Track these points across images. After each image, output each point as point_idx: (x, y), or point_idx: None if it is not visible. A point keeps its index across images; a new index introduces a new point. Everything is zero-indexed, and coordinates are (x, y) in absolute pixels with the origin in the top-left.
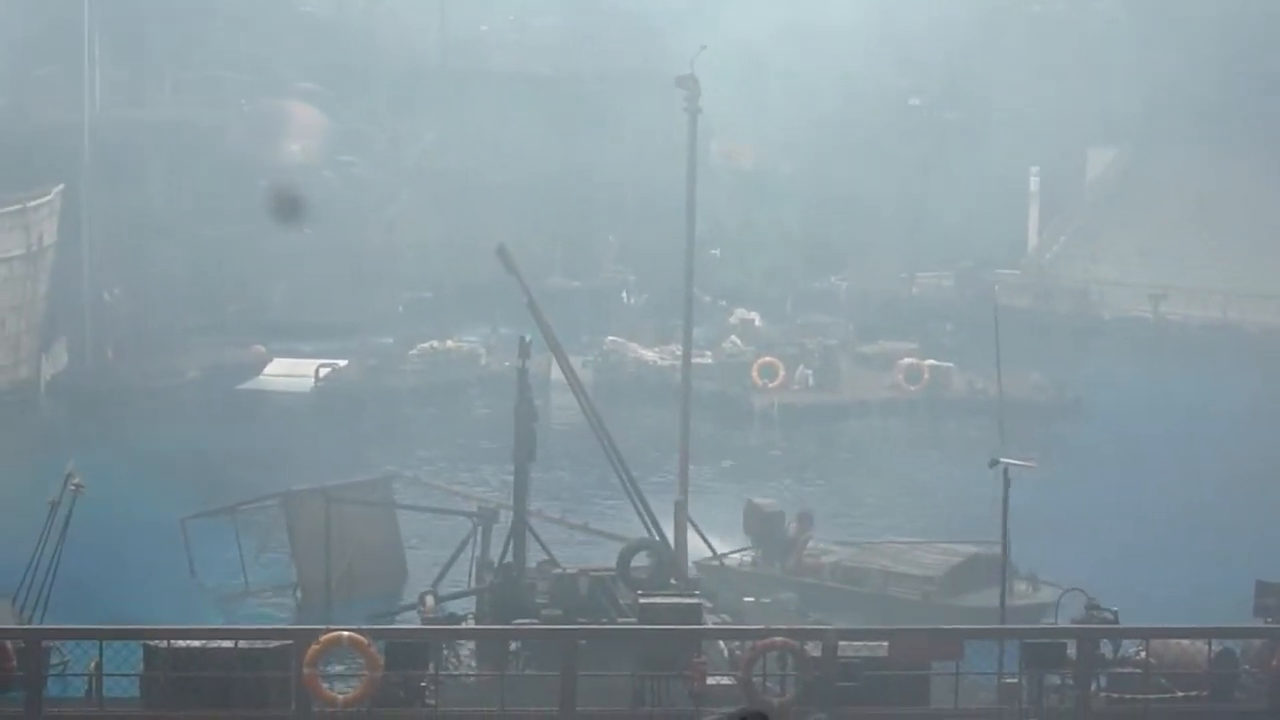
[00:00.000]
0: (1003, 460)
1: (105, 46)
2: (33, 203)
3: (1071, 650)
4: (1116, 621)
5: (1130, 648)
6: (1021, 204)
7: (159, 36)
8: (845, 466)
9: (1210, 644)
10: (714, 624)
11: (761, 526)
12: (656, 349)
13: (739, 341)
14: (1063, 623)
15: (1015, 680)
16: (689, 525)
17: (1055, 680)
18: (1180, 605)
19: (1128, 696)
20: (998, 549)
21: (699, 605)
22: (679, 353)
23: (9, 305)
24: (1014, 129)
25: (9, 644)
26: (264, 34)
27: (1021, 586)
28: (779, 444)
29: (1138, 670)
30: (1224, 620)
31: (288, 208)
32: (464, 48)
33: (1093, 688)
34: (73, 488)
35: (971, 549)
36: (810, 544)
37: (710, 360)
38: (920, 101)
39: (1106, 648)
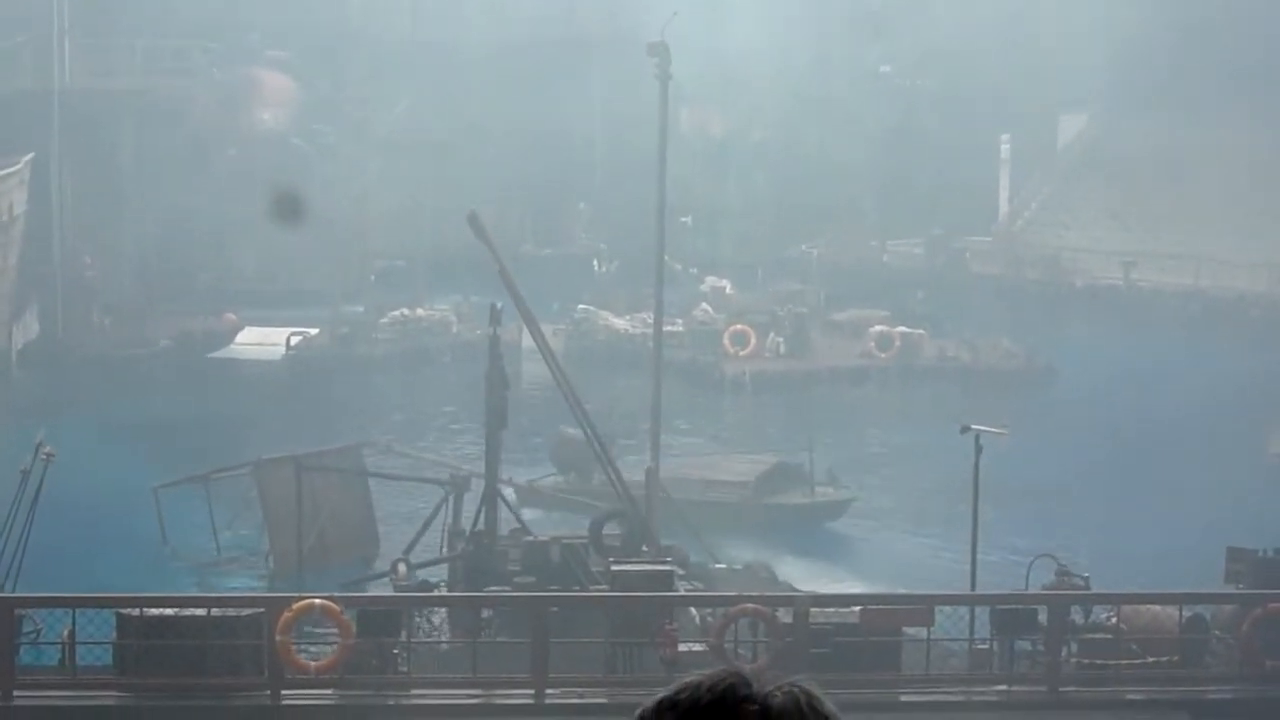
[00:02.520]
0: (974, 427)
1: (74, 16)
2: (2, 172)
3: (1043, 616)
4: (1088, 587)
5: (1101, 613)
6: (992, 171)
7: (128, 5)
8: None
9: (1181, 610)
10: (686, 591)
11: (569, 454)
12: (628, 317)
13: (710, 309)
14: (1034, 589)
15: (986, 646)
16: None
17: (1026, 646)
18: (1151, 571)
19: (1099, 662)
20: (797, 458)
21: (671, 572)
22: (650, 320)
23: None
24: (985, 96)
25: None
26: (234, 2)
27: (824, 488)
28: (744, 409)
29: (1109, 636)
30: (1194, 586)
31: (287, 207)
32: (436, 16)
33: (1064, 653)
34: (44, 456)
35: (773, 458)
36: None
37: (681, 328)
38: (891, 69)
39: (1077, 613)
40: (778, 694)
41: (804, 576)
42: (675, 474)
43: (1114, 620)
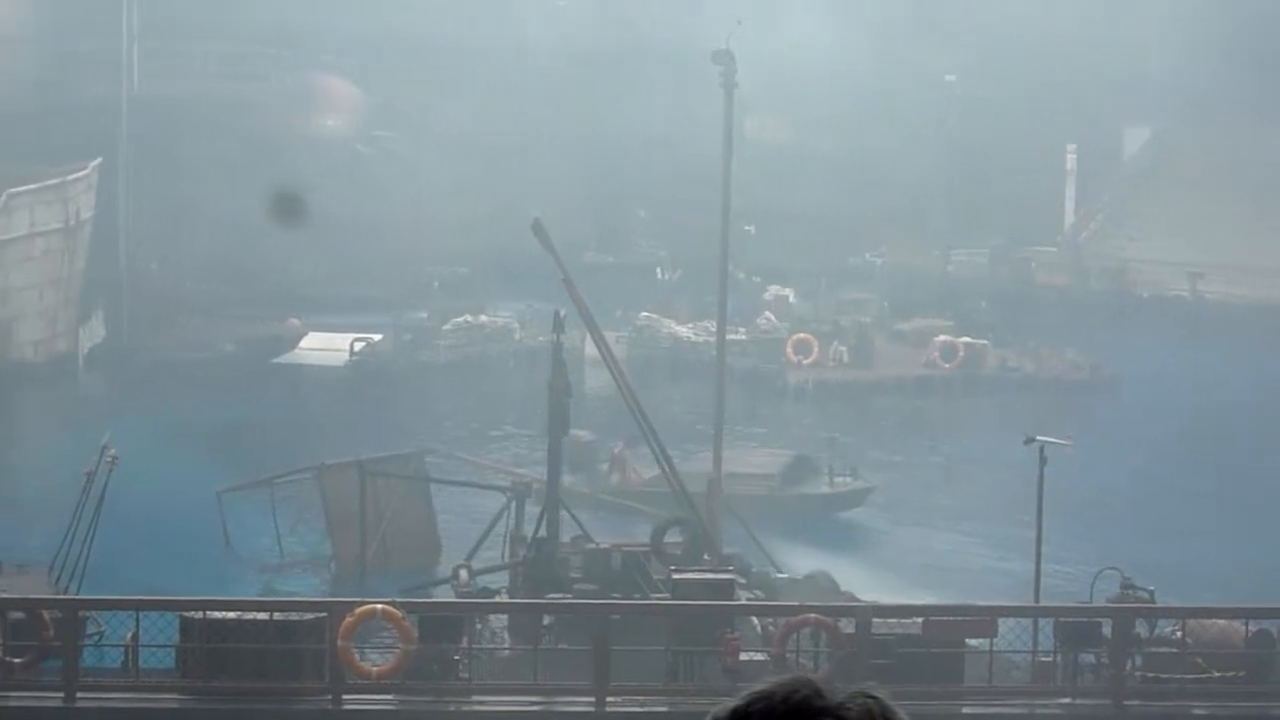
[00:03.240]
0: (1038, 438)
1: (142, 24)
2: (71, 177)
3: (1107, 629)
4: (1153, 600)
5: (1166, 627)
6: (1058, 181)
7: (195, 13)
8: (880, 441)
9: (1247, 624)
10: (747, 600)
11: (579, 456)
12: (690, 325)
13: (773, 318)
14: (1098, 601)
15: (1050, 659)
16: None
17: (1090, 659)
18: (1217, 584)
19: (1163, 676)
20: (817, 451)
21: (732, 581)
22: (713, 329)
23: (47, 279)
24: (1050, 106)
25: (46, 614)
26: (299, 9)
27: (844, 479)
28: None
29: (1173, 650)
30: (1261, 600)
31: (287, 207)
32: (498, 22)
33: (1128, 667)
34: (109, 459)
35: (792, 452)
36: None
37: (744, 336)
38: (956, 78)
39: (1142, 627)
40: (852, 705)
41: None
42: (700, 468)
43: (1179, 634)
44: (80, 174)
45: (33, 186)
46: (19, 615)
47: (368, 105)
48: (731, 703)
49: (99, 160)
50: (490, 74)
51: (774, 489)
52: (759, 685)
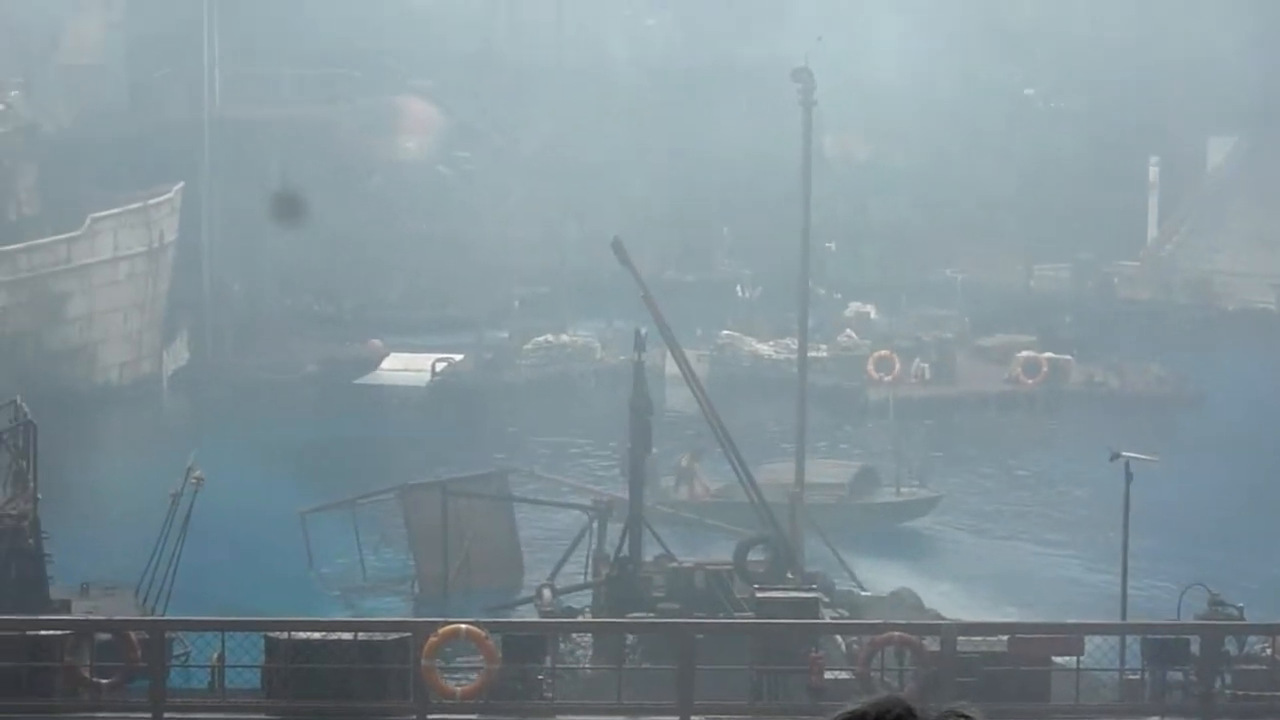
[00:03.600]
0: (1123, 454)
1: (224, 46)
2: (154, 200)
3: (1195, 646)
4: (1242, 617)
5: (1256, 644)
6: (1140, 194)
7: (276, 35)
8: (962, 457)
9: None
10: (831, 618)
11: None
12: (771, 342)
13: (854, 335)
14: (1186, 619)
15: (1137, 677)
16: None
17: (1179, 677)
18: None
19: (1253, 694)
20: (879, 462)
21: (816, 599)
22: (794, 346)
23: (131, 302)
24: (1132, 118)
25: (133, 635)
26: (379, 31)
27: (913, 487)
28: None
29: (1264, 667)
30: None
31: (287, 208)
32: (579, 42)
33: (1217, 685)
34: (193, 481)
35: (858, 463)
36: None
37: (825, 354)
38: (1035, 91)
39: (1231, 644)
40: None
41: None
42: (774, 479)
43: (1269, 651)
44: (164, 197)
45: (116, 210)
46: (106, 636)
47: (448, 126)
48: None
49: (182, 184)
50: (572, 93)
51: (843, 498)
52: (851, 705)
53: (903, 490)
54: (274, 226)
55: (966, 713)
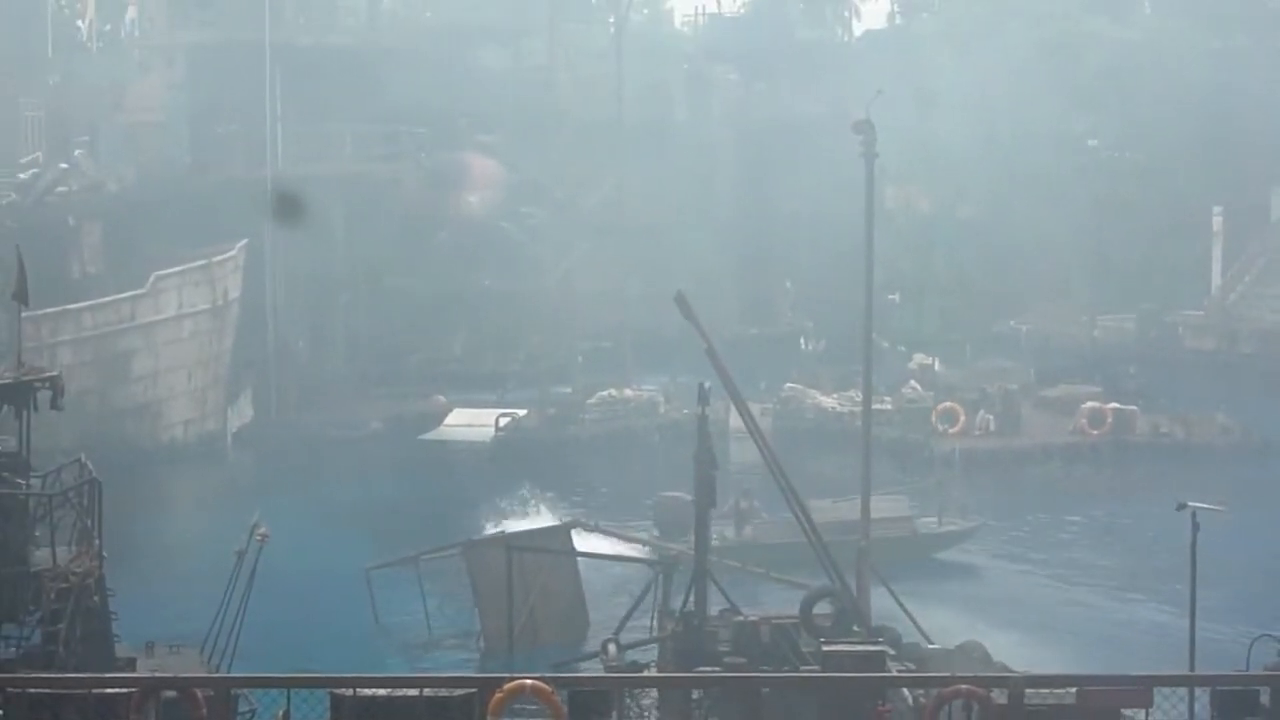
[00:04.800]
0: (1190, 504)
1: (286, 103)
2: (218, 258)
3: (1265, 698)
4: None
5: None
6: (1204, 244)
7: (337, 92)
8: (1029, 509)
9: None
10: (898, 671)
11: (669, 515)
12: (835, 395)
13: (918, 387)
14: (1255, 669)
15: None
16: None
17: None
18: None
19: None
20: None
21: (883, 653)
22: (858, 399)
23: (196, 359)
24: (1195, 168)
25: (199, 693)
26: (442, 87)
27: (956, 519)
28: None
29: None
30: None
31: (286, 208)
32: (642, 97)
33: None
34: (258, 537)
35: (906, 497)
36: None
37: (890, 406)
38: (1098, 142)
39: None
40: None
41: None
42: (839, 517)
43: None
44: (227, 255)
45: (180, 268)
46: (172, 694)
47: (512, 182)
48: None
49: (245, 241)
50: (633, 148)
51: (887, 531)
52: None
53: (944, 519)
54: (338, 283)
55: None
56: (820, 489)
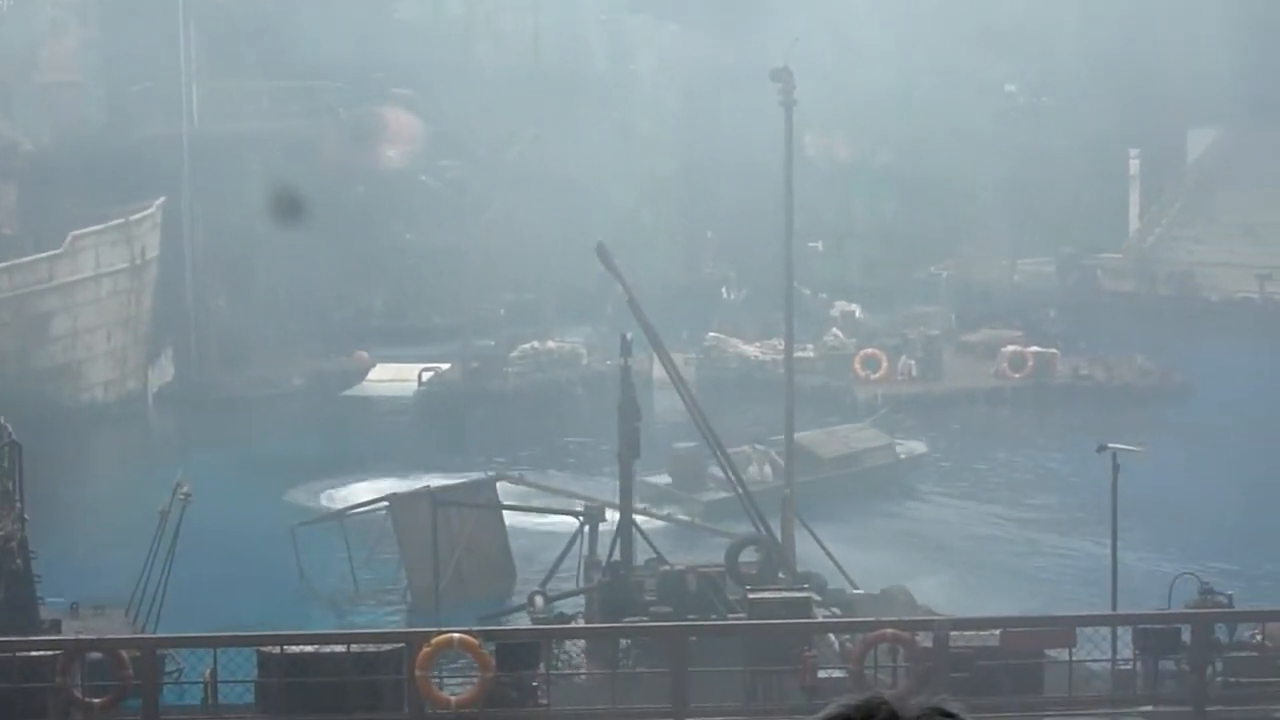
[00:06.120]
0: (1110, 445)
1: (201, 60)
2: (135, 216)
3: (1187, 635)
4: (1231, 605)
5: (1246, 631)
6: (1122, 188)
7: (253, 49)
8: (952, 453)
9: None
10: (823, 617)
11: (683, 466)
12: (758, 344)
13: (840, 334)
14: (1176, 608)
15: (1130, 667)
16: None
17: (1171, 666)
18: None
19: (1245, 681)
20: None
21: (808, 599)
22: (781, 347)
23: (115, 319)
24: (1111, 113)
25: (124, 654)
26: (359, 41)
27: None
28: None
29: (1254, 654)
30: None
31: (287, 208)
32: (560, 49)
33: (1209, 673)
34: (181, 497)
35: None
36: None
37: (812, 354)
38: (1016, 88)
39: (1222, 632)
40: None
41: None
42: (850, 448)
43: (1260, 638)
44: (144, 213)
45: (98, 227)
46: (97, 656)
47: (430, 136)
48: None
49: (163, 199)
50: (551, 100)
51: (874, 460)
52: (832, 707)
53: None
54: (257, 240)
55: (949, 709)
56: (744, 437)
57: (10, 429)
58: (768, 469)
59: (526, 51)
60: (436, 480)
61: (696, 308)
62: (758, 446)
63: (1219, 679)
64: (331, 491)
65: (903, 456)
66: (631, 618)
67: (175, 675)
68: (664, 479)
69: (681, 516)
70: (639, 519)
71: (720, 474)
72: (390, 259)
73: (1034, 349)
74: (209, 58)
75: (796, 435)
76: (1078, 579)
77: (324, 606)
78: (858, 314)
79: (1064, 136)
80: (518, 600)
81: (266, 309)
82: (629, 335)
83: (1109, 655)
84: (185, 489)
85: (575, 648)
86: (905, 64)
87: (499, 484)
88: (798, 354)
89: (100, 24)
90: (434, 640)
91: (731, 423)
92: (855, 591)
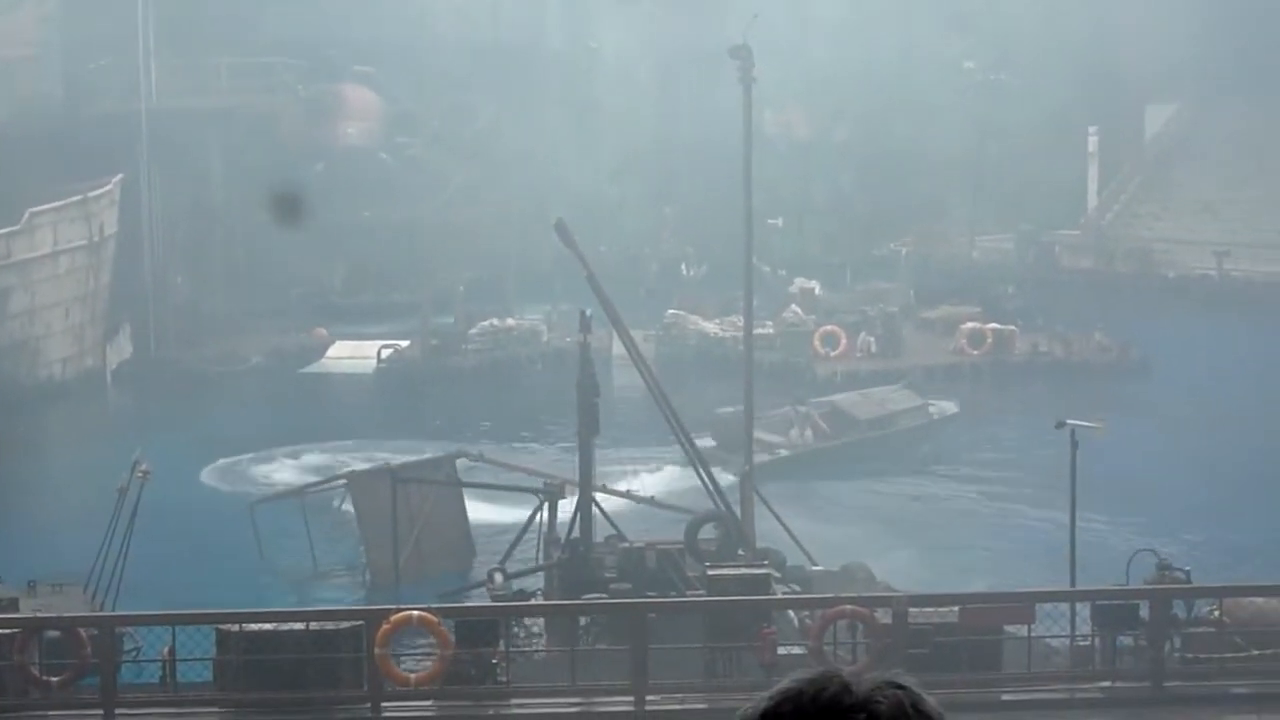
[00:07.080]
0: (1069, 422)
1: (159, 37)
2: (93, 193)
3: (1145, 611)
4: (1189, 581)
5: (1204, 607)
6: (1080, 165)
7: (212, 25)
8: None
9: None
10: (783, 594)
11: (728, 431)
12: (717, 321)
13: (800, 311)
14: (1134, 583)
15: (1088, 643)
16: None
17: (1129, 642)
18: (1253, 563)
19: (1203, 656)
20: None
21: (767, 575)
22: (740, 324)
23: (73, 296)
24: (1069, 89)
25: (82, 632)
26: (317, 19)
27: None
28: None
29: (1212, 629)
30: None
31: (287, 207)
32: (518, 24)
33: (1167, 648)
34: (140, 474)
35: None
36: None
37: (772, 330)
38: (974, 64)
39: (1179, 608)
40: (882, 699)
41: None
42: (886, 409)
43: (1217, 614)
44: (102, 190)
45: (55, 204)
46: (55, 634)
47: (389, 113)
48: (760, 703)
49: (121, 175)
50: (511, 78)
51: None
52: (786, 683)
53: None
54: (216, 216)
55: (902, 683)
56: (703, 414)
57: None
58: (809, 432)
59: (486, 28)
60: (396, 457)
61: (656, 284)
62: (799, 409)
63: (1177, 654)
64: (290, 468)
65: (935, 417)
66: (591, 594)
67: (133, 653)
68: (709, 442)
69: (640, 493)
70: (599, 496)
71: (764, 438)
72: (349, 236)
73: (993, 325)
74: (167, 34)
75: (834, 397)
76: (1038, 555)
77: (283, 585)
78: (817, 291)
79: (1022, 113)
80: (477, 577)
81: (225, 286)
82: (588, 312)
83: (1067, 631)
84: (144, 466)
85: (535, 625)
86: (864, 41)
87: (458, 461)
88: (757, 331)
89: (58, 1)
90: (393, 618)
91: (690, 399)
92: (815, 568)
